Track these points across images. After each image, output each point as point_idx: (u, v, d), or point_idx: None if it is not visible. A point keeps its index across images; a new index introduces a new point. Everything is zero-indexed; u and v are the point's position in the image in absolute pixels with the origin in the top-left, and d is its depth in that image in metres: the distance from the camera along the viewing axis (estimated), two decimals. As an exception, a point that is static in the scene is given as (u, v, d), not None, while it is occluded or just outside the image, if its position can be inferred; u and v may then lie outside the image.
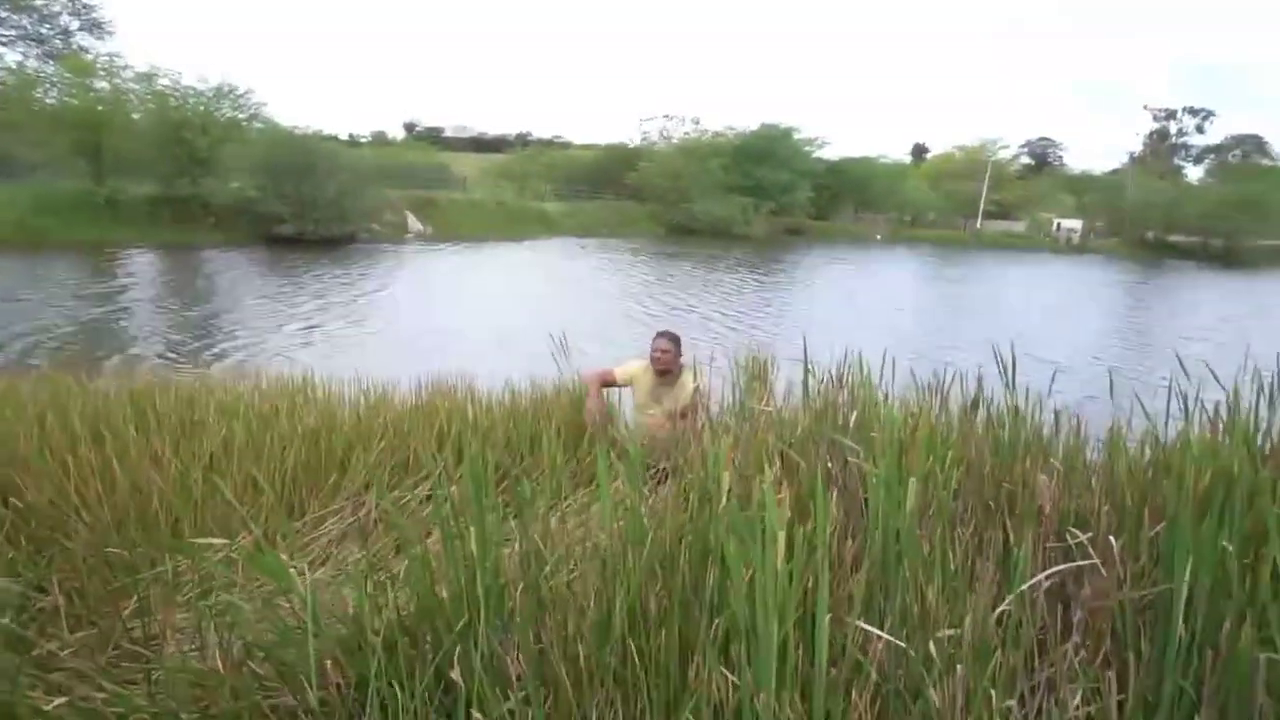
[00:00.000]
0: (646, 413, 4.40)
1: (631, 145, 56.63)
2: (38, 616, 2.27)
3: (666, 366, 4.39)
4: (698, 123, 55.66)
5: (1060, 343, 16.83)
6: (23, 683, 1.87)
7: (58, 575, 2.47)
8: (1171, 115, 73.71)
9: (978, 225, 57.80)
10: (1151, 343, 20.05)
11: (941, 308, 26.14)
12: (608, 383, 4.49)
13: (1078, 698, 1.90)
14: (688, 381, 4.31)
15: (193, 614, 2.23)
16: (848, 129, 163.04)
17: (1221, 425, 2.45)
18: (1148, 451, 2.82)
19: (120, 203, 29.99)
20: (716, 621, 1.85)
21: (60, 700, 1.81)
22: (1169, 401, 2.79)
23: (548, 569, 2.13)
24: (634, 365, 4.54)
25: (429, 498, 3.37)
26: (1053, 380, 3.15)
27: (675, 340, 4.45)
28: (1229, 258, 49.77)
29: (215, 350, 13.92)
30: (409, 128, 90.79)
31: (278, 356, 12.59)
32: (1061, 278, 37.11)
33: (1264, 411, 2.54)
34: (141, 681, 2.02)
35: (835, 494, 2.47)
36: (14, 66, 30.95)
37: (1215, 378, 2.73)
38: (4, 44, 32.13)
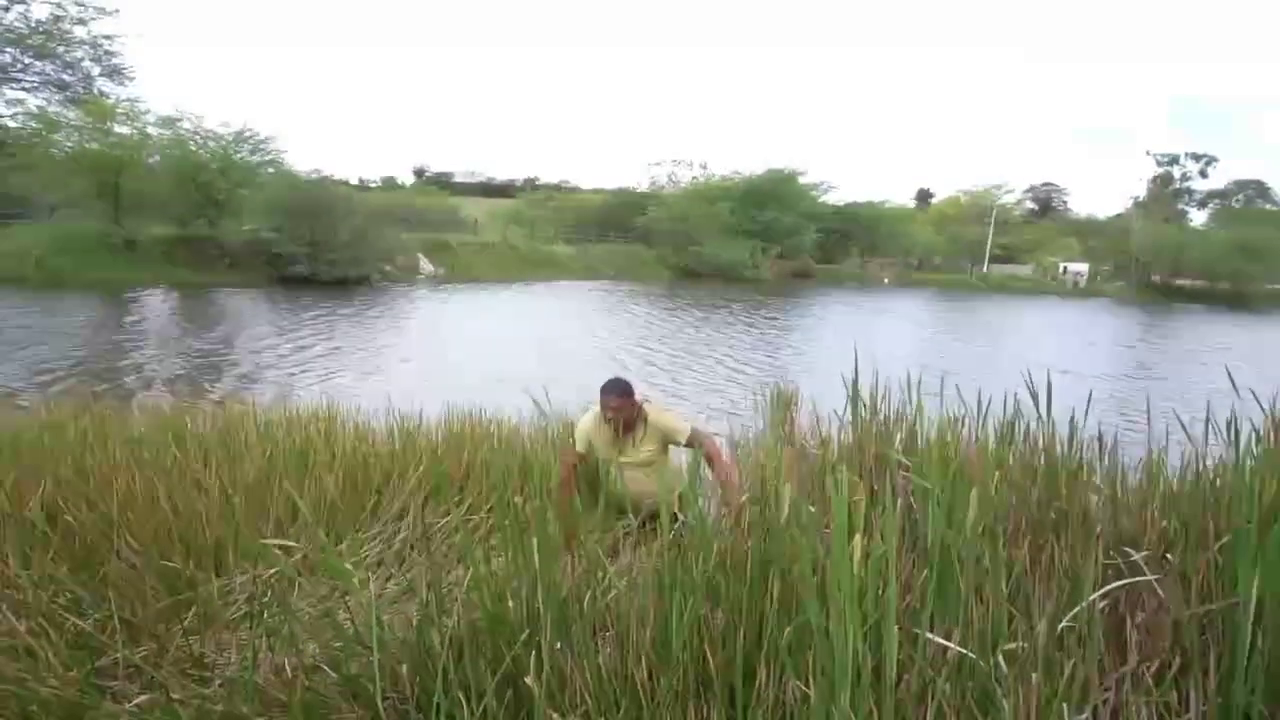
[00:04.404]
0: (620, 466, 3.85)
1: (639, 190, 57.47)
2: (96, 628, 2.28)
3: (626, 423, 3.91)
4: (705, 167, 56.56)
5: (1083, 378, 16.90)
6: (90, 689, 1.88)
7: (110, 591, 2.49)
8: (1174, 160, 74.22)
9: (984, 269, 58.05)
10: (1171, 378, 19.98)
11: (956, 347, 26.12)
12: (581, 458, 3.97)
13: (1144, 712, 1.89)
14: (659, 421, 3.93)
15: (252, 628, 2.23)
16: (852, 174, 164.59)
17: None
18: (1189, 474, 2.85)
19: (138, 244, 30.43)
20: (788, 629, 1.84)
21: (131, 704, 1.81)
22: (1206, 427, 2.83)
23: (607, 581, 2.14)
24: (583, 425, 4.02)
25: (464, 523, 3.38)
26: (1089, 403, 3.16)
27: (623, 392, 3.92)
28: (1236, 301, 49.83)
29: (239, 385, 14.01)
30: (418, 173, 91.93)
31: (302, 390, 12.67)
32: (1072, 320, 37.10)
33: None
34: (192, 698, 2.02)
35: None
36: (36, 110, 31.60)
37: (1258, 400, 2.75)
38: (27, 90, 32.83)
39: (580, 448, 3.95)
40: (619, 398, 3.88)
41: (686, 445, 3.87)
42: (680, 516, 3.21)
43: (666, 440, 3.91)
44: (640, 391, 4.01)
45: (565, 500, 3.67)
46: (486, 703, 1.81)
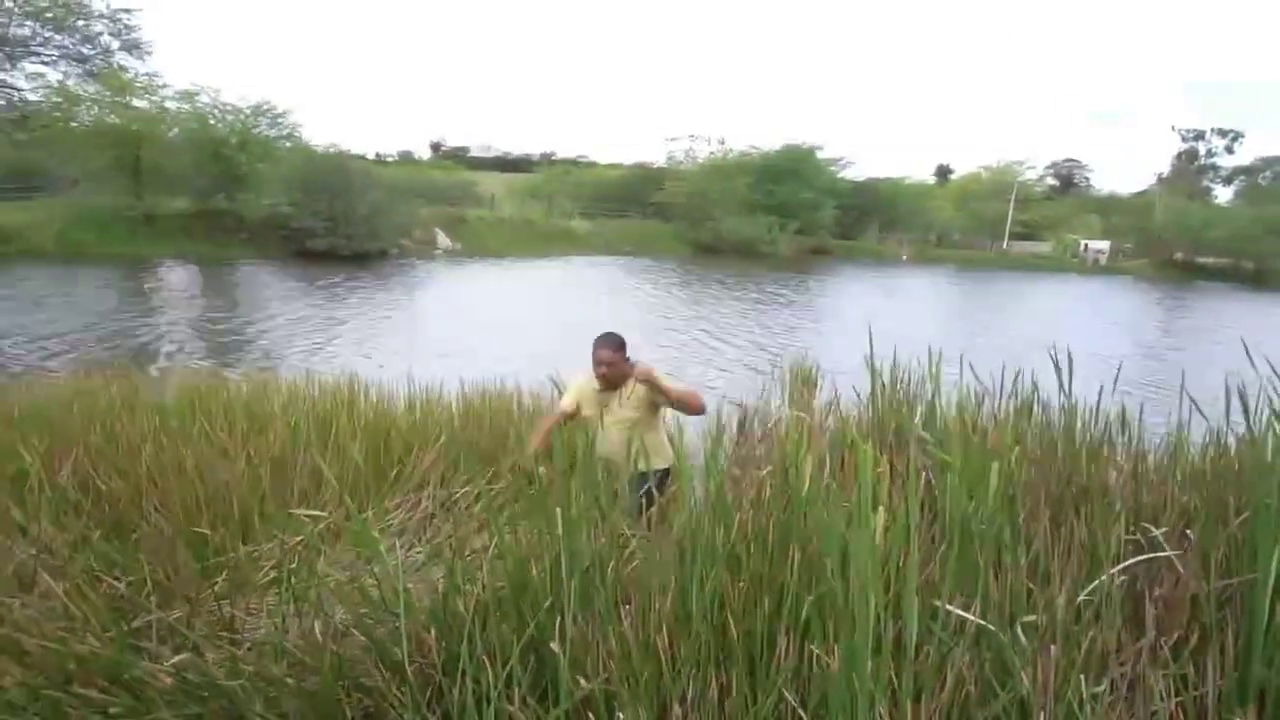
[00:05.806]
0: (607, 429, 3.67)
1: (657, 165, 57.03)
2: (130, 591, 2.34)
3: (615, 380, 3.80)
4: (723, 142, 55.99)
5: (1103, 356, 16.79)
6: (127, 648, 1.93)
7: (142, 556, 2.55)
8: (1200, 136, 72.77)
9: (1004, 246, 57.37)
10: (1192, 356, 19.74)
11: (975, 324, 25.92)
12: (568, 416, 3.88)
13: (1161, 685, 1.90)
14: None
15: (281, 593, 2.28)
16: (871, 150, 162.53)
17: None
18: (1211, 451, 2.84)
19: (157, 217, 30.62)
20: (809, 600, 1.86)
21: (167, 664, 1.86)
22: (1228, 405, 2.80)
23: (630, 549, 2.17)
24: (576, 381, 3.99)
25: (486, 492, 3.42)
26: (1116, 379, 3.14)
27: (616, 346, 3.81)
28: (1260, 280, 49.06)
29: (261, 357, 14.16)
30: (435, 147, 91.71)
31: (324, 362, 12.78)
32: (1093, 297, 36.67)
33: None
34: (226, 659, 2.08)
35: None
36: (55, 84, 31.69)
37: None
38: (46, 63, 32.91)
39: (567, 402, 3.90)
40: (611, 351, 3.78)
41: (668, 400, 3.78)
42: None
43: (651, 397, 3.78)
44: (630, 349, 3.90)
45: (535, 447, 3.61)
46: (511, 667, 1.85)
